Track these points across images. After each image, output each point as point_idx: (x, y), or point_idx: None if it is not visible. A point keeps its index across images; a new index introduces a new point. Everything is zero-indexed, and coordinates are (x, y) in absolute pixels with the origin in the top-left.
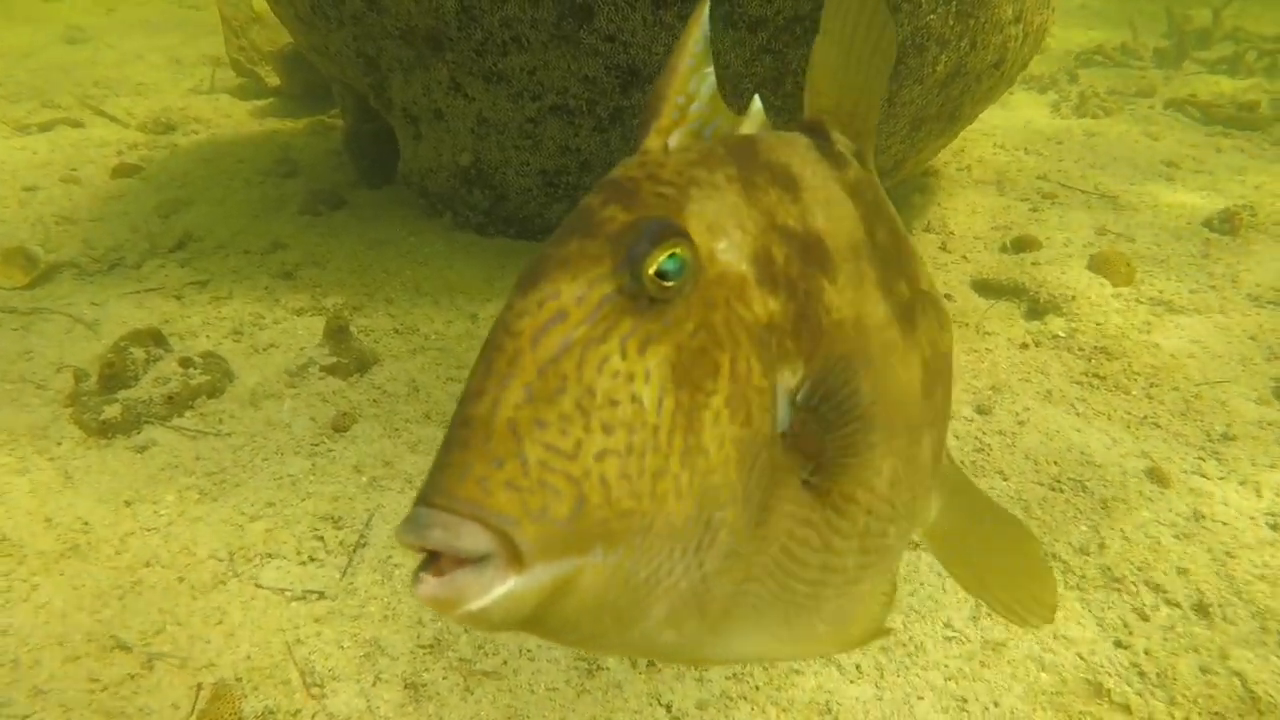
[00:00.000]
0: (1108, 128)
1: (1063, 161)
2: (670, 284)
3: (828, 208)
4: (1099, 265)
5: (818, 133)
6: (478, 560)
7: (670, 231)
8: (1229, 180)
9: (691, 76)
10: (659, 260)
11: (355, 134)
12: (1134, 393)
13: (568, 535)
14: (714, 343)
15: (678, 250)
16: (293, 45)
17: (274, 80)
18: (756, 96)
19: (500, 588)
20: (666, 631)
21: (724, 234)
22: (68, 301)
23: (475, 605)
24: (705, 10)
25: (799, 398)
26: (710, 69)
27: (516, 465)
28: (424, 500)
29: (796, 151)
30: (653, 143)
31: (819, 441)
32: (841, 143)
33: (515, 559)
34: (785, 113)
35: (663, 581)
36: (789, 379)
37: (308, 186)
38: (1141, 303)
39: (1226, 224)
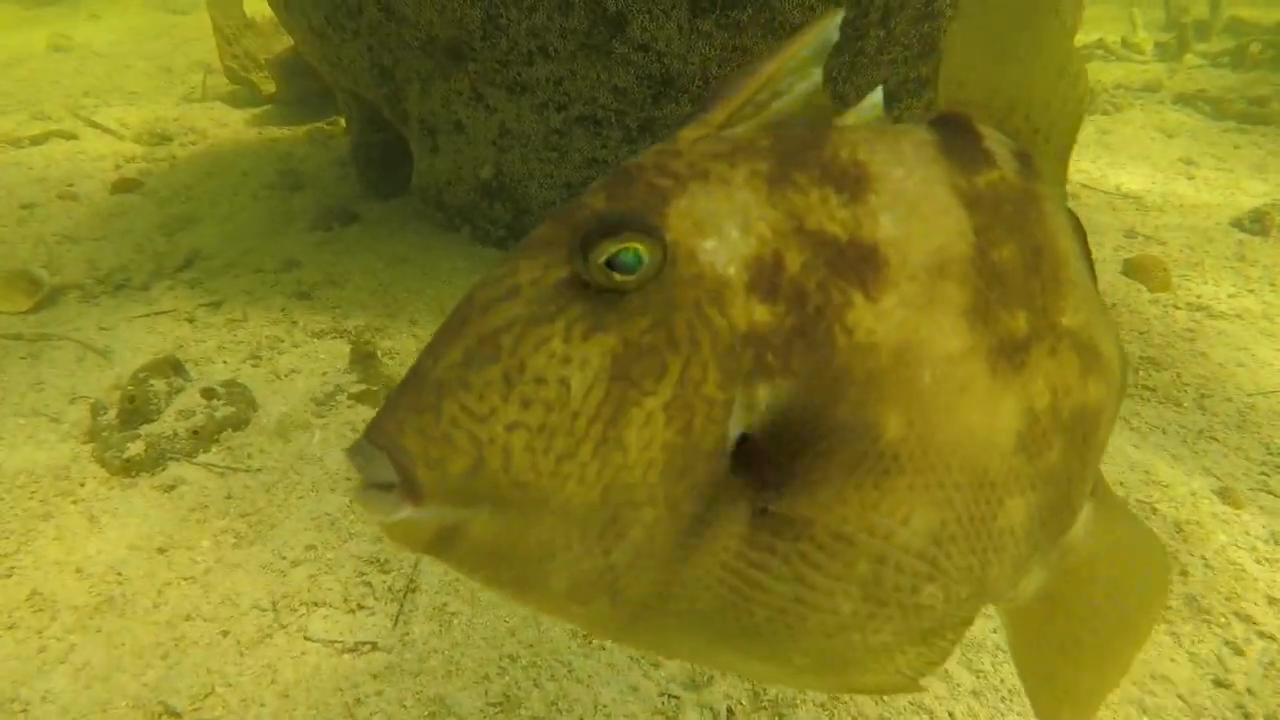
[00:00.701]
0: (1120, 125)
1: (1080, 160)
2: (623, 277)
3: (909, 215)
4: (1134, 270)
5: (957, 127)
6: (388, 486)
7: (628, 225)
8: (1251, 178)
9: (786, 76)
10: (608, 252)
11: (363, 145)
12: (1186, 405)
13: (459, 488)
14: (668, 343)
15: (632, 245)
16: (289, 51)
17: (269, 87)
18: (880, 88)
19: (398, 513)
20: (573, 605)
21: (715, 233)
22: (75, 326)
23: (382, 520)
24: (837, 19)
25: (778, 419)
26: (819, 69)
27: (431, 417)
28: (365, 432)
29: (891, 148)
30: (690, 132)
31: (791, 468)
32: (995, 140)
33: (413, 493)
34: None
35: (557, 556)
36: (765, 396)
37: (317, 201)
38: (1180, 308)
39: (1257, 224)
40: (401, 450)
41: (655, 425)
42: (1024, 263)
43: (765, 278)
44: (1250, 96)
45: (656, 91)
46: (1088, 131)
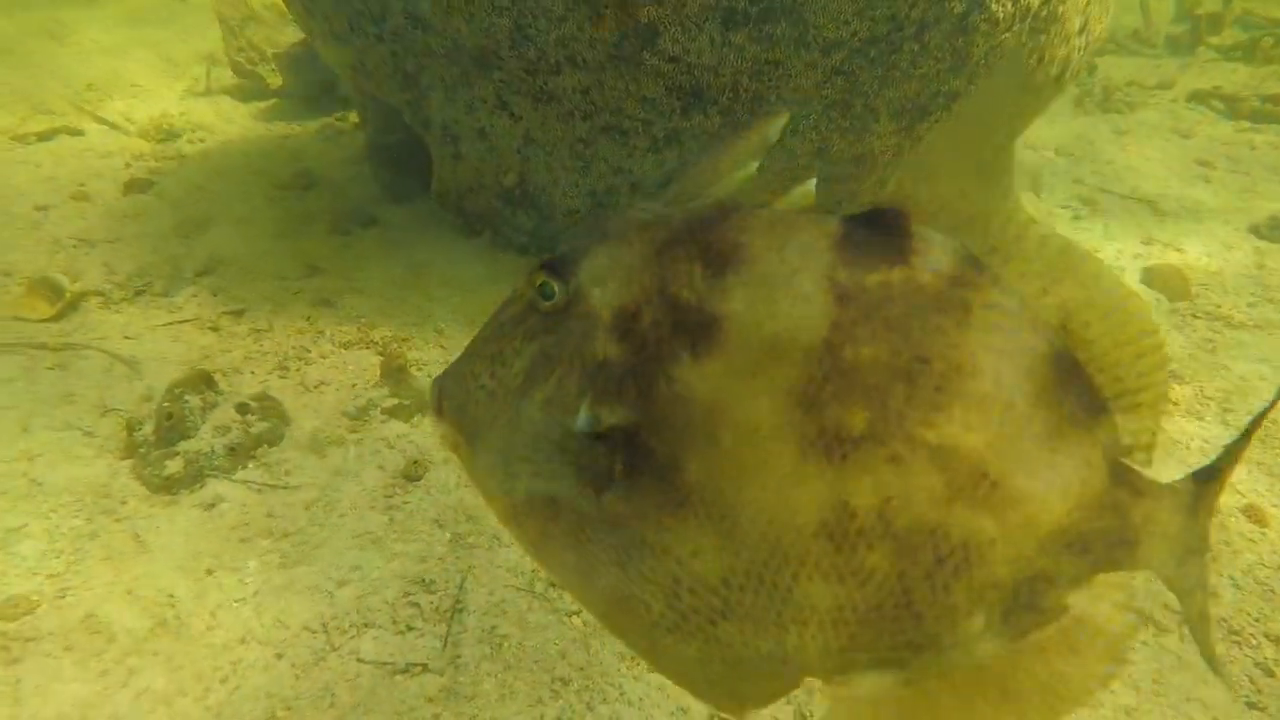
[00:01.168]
0: (1135, 124)
1: (1096, 163)
2: (544, 302)
3: (762, 298)
4: (1154, 278)
5: (880, 221)
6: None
7: (549, 267)
8: (1268, 181)
9: (730, 168)
10: (538, 282)
11: (379, 145)
12: (1208, 419)
13: (456, 418)
14: (558, 355)
15: (546, 281)
16: (298, 46)
17: (276, 81)
18: (813, 180)
19: (435, 427)
20: (506, 525)
21: (603, 283)
22: (99, 335)
23: (433, 429)
24: (779, 122)
25: (610, 432)
26: (755, 164)
27: (461, 368)
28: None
29: (781, 236)
30: (644, 203)
31: (618, 472)
32: (931, 241)
33: (439, 413)
34: (852, 134)
35: (491, 484)
36: (603, 412)
37: (333, 203)
38: (1199, 318)
39: (1275, 230)
40: (442, 386)
41: (535, 408)
42: (890, 365)
43: (624, 324)
44: (1264, 94)
45: (686, 103)
46: (1102, 131)
